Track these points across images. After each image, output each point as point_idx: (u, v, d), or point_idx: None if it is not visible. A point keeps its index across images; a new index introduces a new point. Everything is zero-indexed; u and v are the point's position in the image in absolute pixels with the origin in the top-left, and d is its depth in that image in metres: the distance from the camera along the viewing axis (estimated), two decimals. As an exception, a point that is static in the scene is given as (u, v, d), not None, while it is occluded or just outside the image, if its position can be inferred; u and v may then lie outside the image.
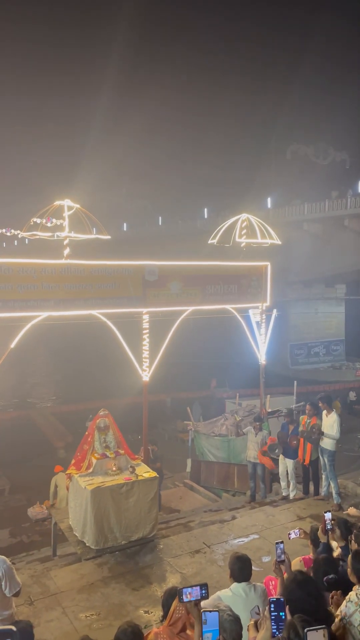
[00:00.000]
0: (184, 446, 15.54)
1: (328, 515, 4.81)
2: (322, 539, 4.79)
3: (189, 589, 2.88)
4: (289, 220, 36.45)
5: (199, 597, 2.90)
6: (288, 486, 9.37)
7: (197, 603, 2.88)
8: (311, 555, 4.70)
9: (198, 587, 2.89)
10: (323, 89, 69.03)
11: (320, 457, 8.98)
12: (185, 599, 2.88)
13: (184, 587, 2.91)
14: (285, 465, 9.34)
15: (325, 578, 3.87)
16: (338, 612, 3.41)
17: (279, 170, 49.16)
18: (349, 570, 3.69)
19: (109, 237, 8.42)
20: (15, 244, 75.57)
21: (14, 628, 1.13)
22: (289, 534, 4.72)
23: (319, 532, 4.81)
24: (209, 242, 10.04)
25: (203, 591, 2.90)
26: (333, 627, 3.21)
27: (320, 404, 8.94)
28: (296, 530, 4.73)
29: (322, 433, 8.72)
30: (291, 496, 9.30)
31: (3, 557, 4.27)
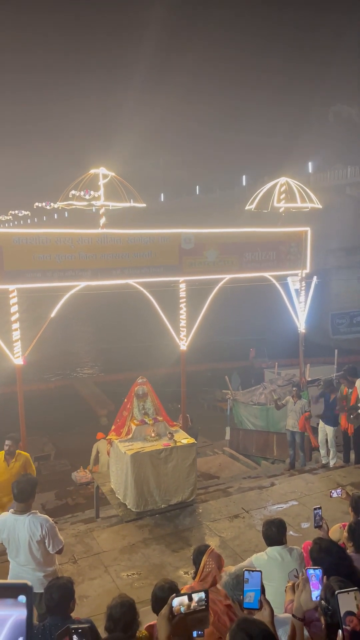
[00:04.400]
0: (223, 415, 15.62)
1: None
2: None
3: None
4: (330, 185, 35.27)
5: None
6: (328, 454, 9.31)
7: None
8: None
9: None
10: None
11: None
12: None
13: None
14: (325, 432, 9.26)
15: None
16: None
17: (321, 133, 47.42)
18: None
19: (144, 205, 8.34)
20: (56, 217, 76.40)
21: (28, 583, 1.12)
22: (331, 492, 4.69)
23: None
24: (246, 208, 9.79)
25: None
26: None
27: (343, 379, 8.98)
28: (338, 490, 4.69)
29: (357, 408, 8.68)
30: (331, 464, 9.23)
31: (46, 516, 4.44)
